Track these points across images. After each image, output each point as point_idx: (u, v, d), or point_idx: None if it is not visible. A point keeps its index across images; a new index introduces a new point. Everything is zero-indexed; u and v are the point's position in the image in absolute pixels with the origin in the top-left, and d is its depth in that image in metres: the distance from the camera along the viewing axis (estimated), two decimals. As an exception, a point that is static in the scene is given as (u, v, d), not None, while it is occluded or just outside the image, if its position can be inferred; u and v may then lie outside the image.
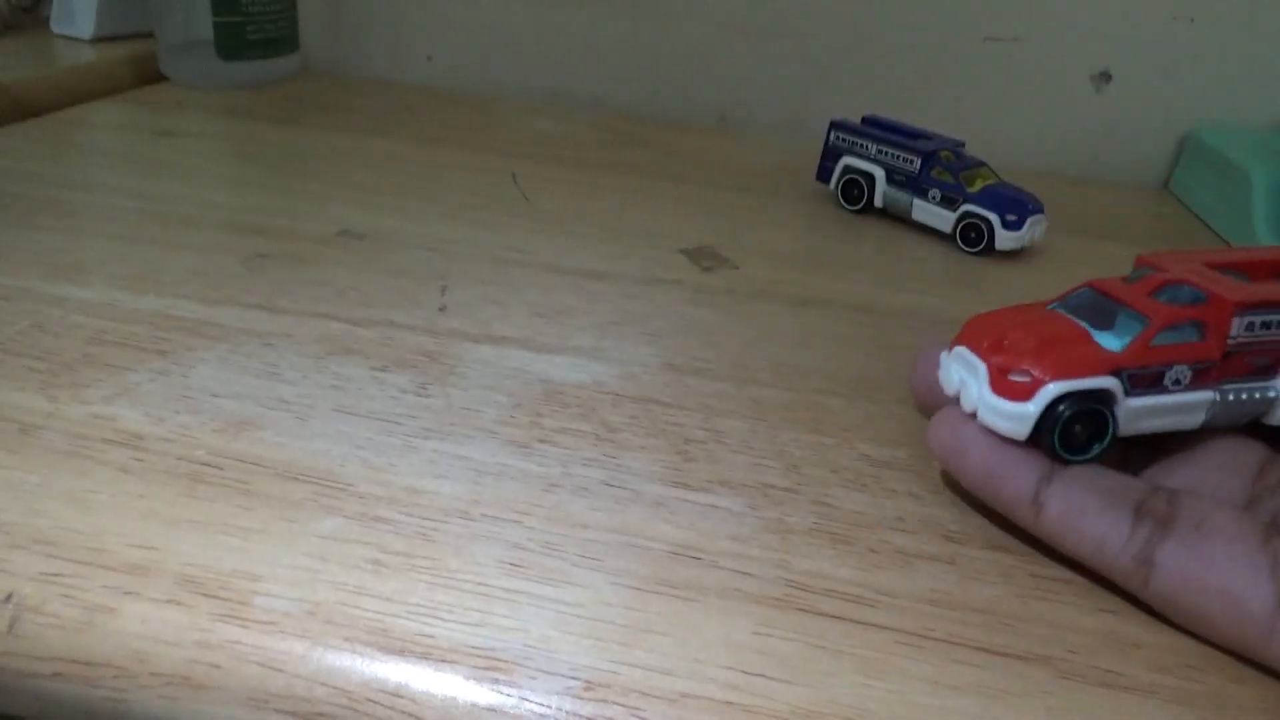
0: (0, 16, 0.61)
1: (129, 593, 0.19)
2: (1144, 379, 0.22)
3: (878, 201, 0.46)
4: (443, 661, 0.19)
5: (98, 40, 0.60)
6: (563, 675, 0.19)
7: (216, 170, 0.46)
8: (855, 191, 0.47)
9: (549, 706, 0.18)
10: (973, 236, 0.43)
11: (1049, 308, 0.25)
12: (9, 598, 0.19)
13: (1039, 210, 0.42)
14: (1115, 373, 0.22)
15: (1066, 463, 0.22)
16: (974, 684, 0.19)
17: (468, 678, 0.18)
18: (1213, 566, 0.20)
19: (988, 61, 0.60)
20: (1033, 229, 0.42)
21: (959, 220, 0.43)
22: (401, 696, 0.18)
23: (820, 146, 0.49)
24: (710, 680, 0.19)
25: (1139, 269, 0.25)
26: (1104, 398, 0.22)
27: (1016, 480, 0.22)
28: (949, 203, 0.43)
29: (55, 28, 0.61)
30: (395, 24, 0.66)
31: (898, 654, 0.20)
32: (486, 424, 0.26)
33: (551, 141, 0.55)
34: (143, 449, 0.24)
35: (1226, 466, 0.23)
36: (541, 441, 0.26)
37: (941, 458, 0.24)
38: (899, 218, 0.46)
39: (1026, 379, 0.22)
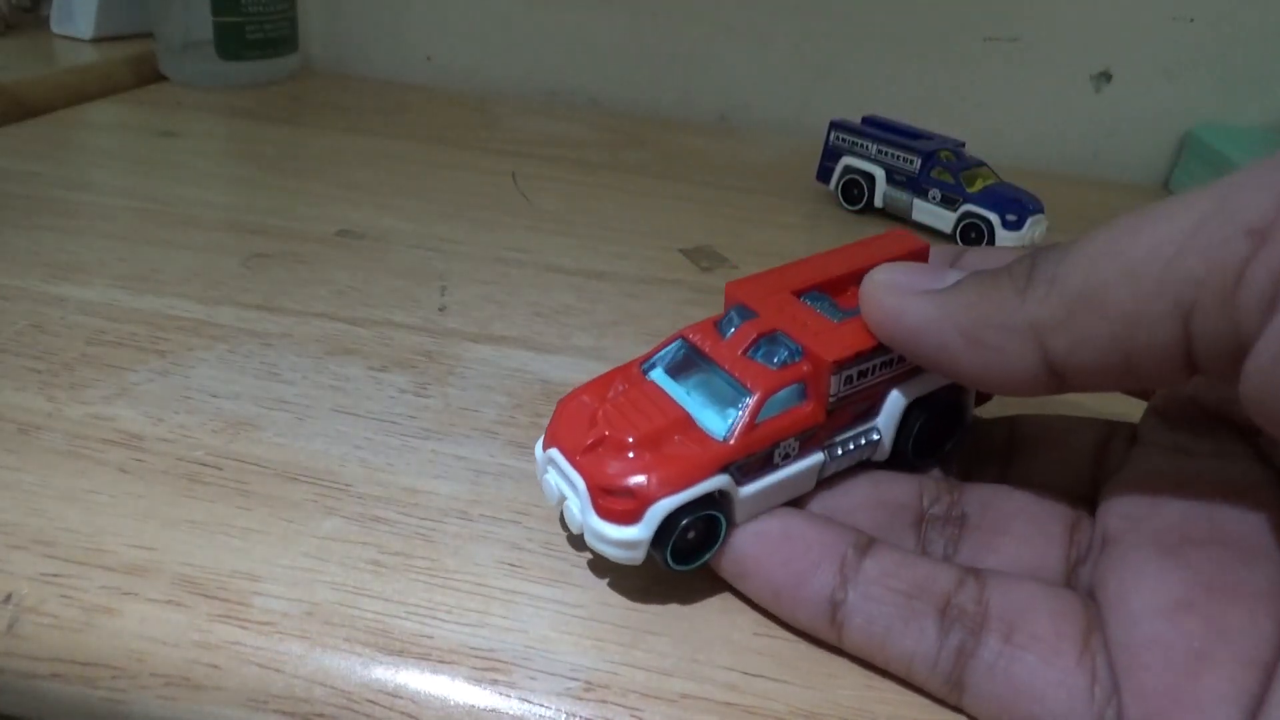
0: (0, 16, 0.61)
1: (128, 593, 0.19)
2: (753, 464, 0.20)
3: (878, 202, 0.46)
4: (441, 662, 0.19)
5: (98, 40, 0.60)
6: (562, 676, 0.19)
7: (216, 170, 0.46)
8: (855, 191, 0.47)
9: (548, 707, 0.18)
10: (973, 236, 0.43)
11: (644, 369, 0.22)
12: (8, 598, 0.19)
13: (1039, 210, 0.42)
14: (725, 468, 0.19)
15: (676, 572, 0.20)
16: (974, 684, 0.19)
17: (467, 678, 0.18)
18: (1027, 695, 0.17)
19: (988, 61, 0.60)
20: (1033, 229, 0.42)
21: (959, 220, 0.43)
22: (400, 697, 0.18)
23: (820, 146, 0.49)
24: (710, 681, 0.19)
25: (729, 308, 0.22)
26: (717, 500, 0.19)
27: (809, 600, 0.19)
28: (949, 203, 0.43)
29: (55, 28, 0.61)
30: (395, 24, 0.66)
31: (897, 654, 0.20)
32: (486, 424, 0.26)
33: (551, 141, 0.55)
34: (142, 449, 0.24)
35: (1039, 534, 0.20)
36: (541, 442, 0.26)
37: (727, 580, 0.21)
38: (899, 218, 0.46)
39: (630, 500, 0.19)
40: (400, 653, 0.19)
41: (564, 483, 0.20)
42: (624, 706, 0.18)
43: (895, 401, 0.21)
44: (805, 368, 0.20)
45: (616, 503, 0.19)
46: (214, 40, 0.57)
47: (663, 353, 0.22)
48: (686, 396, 0.21)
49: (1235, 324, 0.15)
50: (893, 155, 0.45)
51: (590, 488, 0.19)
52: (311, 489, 0.23)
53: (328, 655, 0.19)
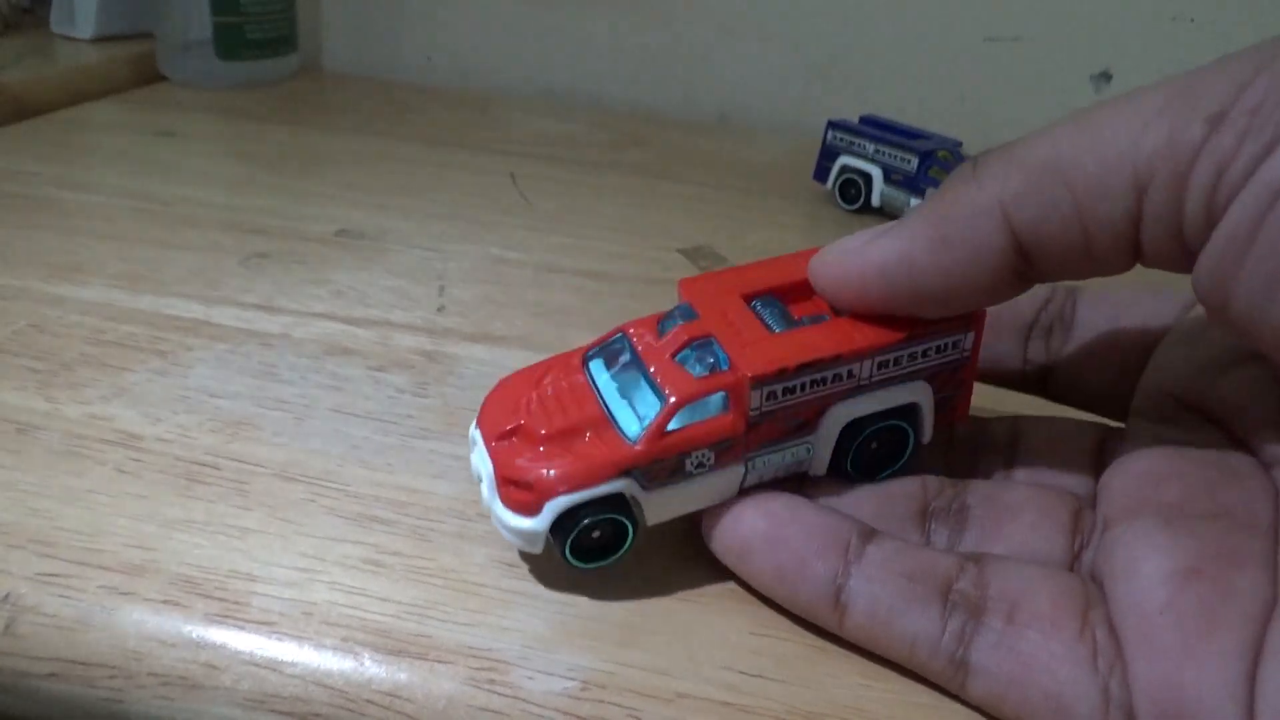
0: (0, 16, 0.61)
1: (126, 593, 0.19)
2: (661, 471, 0.20)
3: (875, 201, 0.46)
4: (439, 662, 0.19)
5: (98, 40, 0.60)
6: (559, 675, 0.19)
7: (216, 170, 0.46)
8: (853, 191, 0.47)
9: (545, 707, 0.18)
10: (972, 236, 0.43)
11: (585, 358, 0.22)
12: (6, 597, 0.19)
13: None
14: (628, 472, 0.19)
15: (580, 571, 0.20)
16: (971, 684, 0.19)
17: (464, 678, 0.18)
18: (1032, 667, 0.17)
19: (988, 61, 0.60)
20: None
21: (958, 220, 0.43)
22: (398, 696, 0.18)
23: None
24: (707, 680, 0.19)
25: (679, 304, 0.22)
26: (618, 502, 0.19)
27: (813, 581, 0.19)
28: (948, 203, 0.43)
29: (55, 28, 0.61)
30: (395, 24, 0.66)
31: (895, 654, 0.20)
32: (484, 424, 0.26)
33: (551, 141, 0.55)
34: (140, 449, 0.24)
35: (1042, 522, 0.21)
36: (539, 441, 0.26)
37: (725, 561, 0.20)
38: (896, 217, 0.46)
39: (529, 492, 0.19)
40: (398, 652, 0.19)
41: (482, 464, 0.21)
42: (621, 706, 0.18)
43: (834, 418, 0.21)
44: (728, 379, 0.20)
45: (517, 493, 0.20)
46: (214, 40, 0.57)
47: (605, 344, 0.22)
48: (615, 393, 0.21)
49: (1182, 205, 0.16)
50: (890, 154, 0.45)
51: (498, 475, 0.20)
52: (310, 489, 0.23)
53: (325, 655, 0.19)
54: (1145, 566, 0.18)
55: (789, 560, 0.19)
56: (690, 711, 0.18)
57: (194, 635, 0.19)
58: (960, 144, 0.46)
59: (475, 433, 0.21)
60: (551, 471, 0.19)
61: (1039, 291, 0.24)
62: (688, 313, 0.21)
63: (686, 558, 0.22)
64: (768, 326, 0.21)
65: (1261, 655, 0.16)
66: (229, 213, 0.40)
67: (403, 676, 0.18)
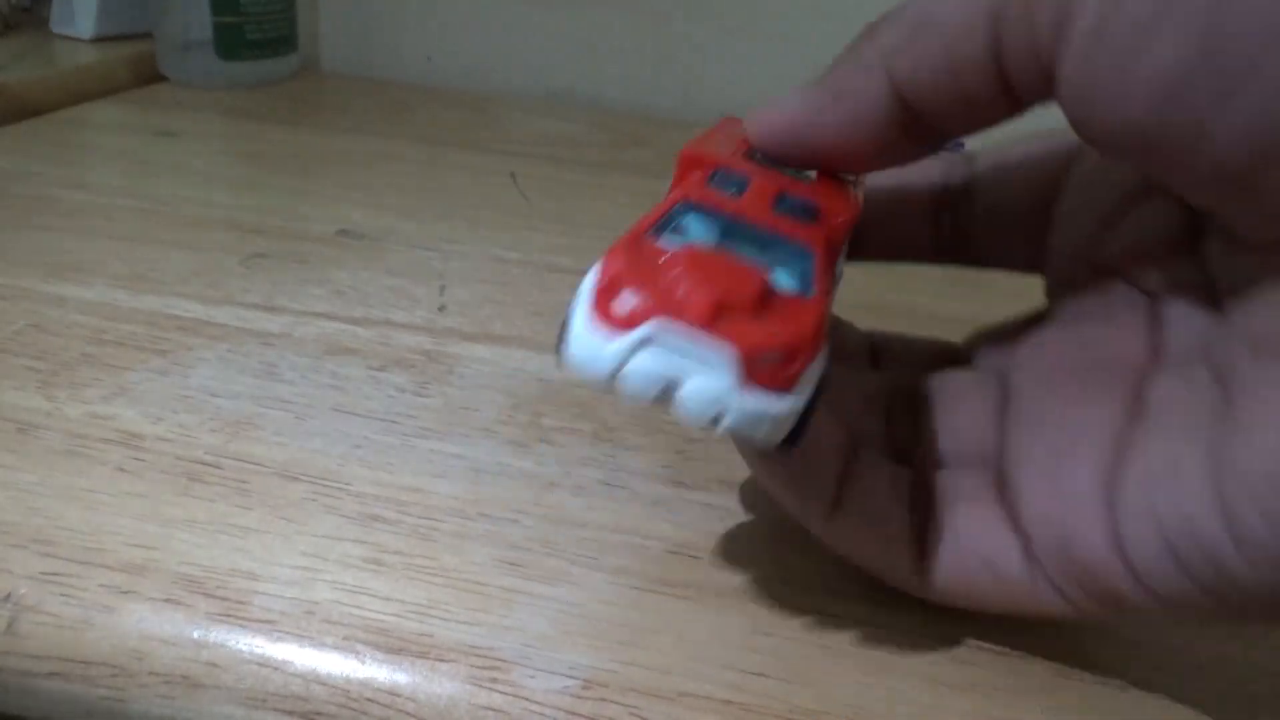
0: (0, 16, 0.61)
1: (127, 592, 0.19)
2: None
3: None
4: (440, 661, 0.19)
5: (98, 40, 0.60)
6: (561, 674, 0.19)
7: (216, 170, 0.46)
8: (855, 191, 0.47)
9: (547, 705, 0.18)
10: (972, 236, 0.42)
11: (667, 226, 0.18)
12: (7, 597, 0.19)
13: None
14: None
15: None
16: (972, 682, 0.19)
17: (466, 677, 0.18)
18: (967, 539, 0.19)
19: (987, 61, 0.60)
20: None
21: (959, 220, 0.43)
22: (399, 695, 0.18)
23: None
24: (710, 679, 0.19)
25: (716, 169, 0.20)
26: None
27: (823, 469, 0.20)
28: (949, 202, 0.43)
29: (55, 28, 0.61)
30: (395, 24, 0.66)
31: (898, 653, 0.20)
32: (485, 423, 0.26)
33: (551, 141, 0.55)
34: (141, 448, 0.24)
35: (979, 406, 0.21)
36: (540, 441, 0.26)
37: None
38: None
39: (777, 359, 0.16)
40: (399, 651, 0.19)
41: (680, 361, 0.16)
42: (623, 705, 0.18)
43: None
44: (840, 220, 0.19)
45: (774, 371, 0.16)
46: (214, 40, 0.57)
47: (675, 223, 0.18)
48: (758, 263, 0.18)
49: (1034, 21, 0.16)
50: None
51: (744, 356, 0.15)
52: (311, 488, 0.23)
53: (327, 654, 0.19)
54: (1030, 414, 0.19)
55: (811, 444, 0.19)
56: (692, 710, 0.18)
57: (195, 634, 0.19)
58: (961, 143, 0.46)
59: (634, 335, 0.16)
60: (799, 336, 0.16)
61: (938, 165, 0.25)
62: (731, 176, 0.20)
63: (689, 557, 0.22)
64: (796, 177, 0.20)
65: (1122, 462, 0.17)
66: (229, 213, 0.40)
67: (404, 675, 0.18)
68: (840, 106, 0.19)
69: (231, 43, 0.57)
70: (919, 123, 0.19)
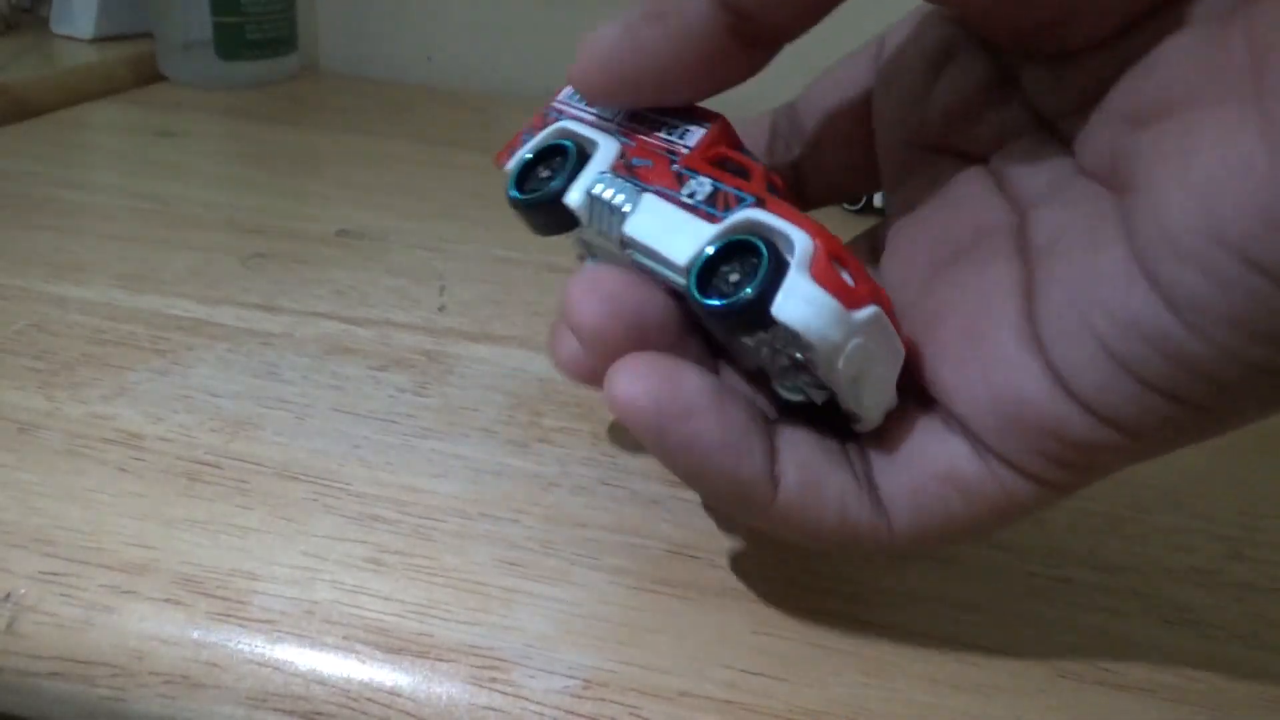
0: (0, 16, 0.61)
1: (127, 592, 0.19)
2: None
3: (877, 201, 0.46)
4: (440, 661, 0.19)
5: (98, 40, 0.60)
6: (561, 674, 0.19)
7: (216, 170, 0.46)
8: (855, 191, 0.47)
9: (547, 705, 0.18)
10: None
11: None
12: (7, 597, 0.19)
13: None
14: None
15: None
16: (972, 682, 0.19)
17: (466, 677, 0.18)
18: (915, 461, 0.18)
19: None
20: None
21: (958, 220, 0.43)
22: (399, 695, 0.18)
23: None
24: (709, 679, 0.19)
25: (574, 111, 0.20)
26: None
27: (754, 450, 0.17)
28: (948, 202, 0.43)
29: (55, 28, 0.61)
30: (395, 24, 0.66)
31: (897, 653, 0.20)
32: (485, 423, 0.26)
33: (551, 141, 0.55)
34: (141, 448, 0.24)
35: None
36: (540, 441, 0.26)
37: (645, 425, 0.16)
38: (898, 217, 0.46)
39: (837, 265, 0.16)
40: (399, 651, 0.19)
41: (875, 349, 0.17)
42: (623, 705, 0.18)
43: None
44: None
45: (837, 272, 0.17)
46: (214, 40, 0.57)
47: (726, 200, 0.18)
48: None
49: None
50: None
51: (819, 248, 0.16)
52: (311, 488, 0.23)
53: (327, 654, 0.19)
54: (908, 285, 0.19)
55: (734, 426, 0.17)
56: (692, 710, 0.18)
57: (195, 634, 0.19)
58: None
59: (855, 319, 0.16)
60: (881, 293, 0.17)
61: (764, 121, 0.25)
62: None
63: (689, 557, 0.22)
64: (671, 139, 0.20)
65: (1033, 308, 0.16)
66: (229, 213, 0.40)
67: (404, 675, 0.18)
68: (663, 24, 0.18)
69: (231, 43, 0.57)
70: (746, 24, 0.18)
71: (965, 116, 0.20)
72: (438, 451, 0.25)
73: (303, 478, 0.23)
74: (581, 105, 0.21)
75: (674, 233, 0.17)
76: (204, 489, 0.23)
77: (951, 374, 0.17)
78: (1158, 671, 0.20)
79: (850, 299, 0.16)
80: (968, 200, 0.20)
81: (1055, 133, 0.18)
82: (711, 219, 0.17)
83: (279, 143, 0.50)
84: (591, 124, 0.20)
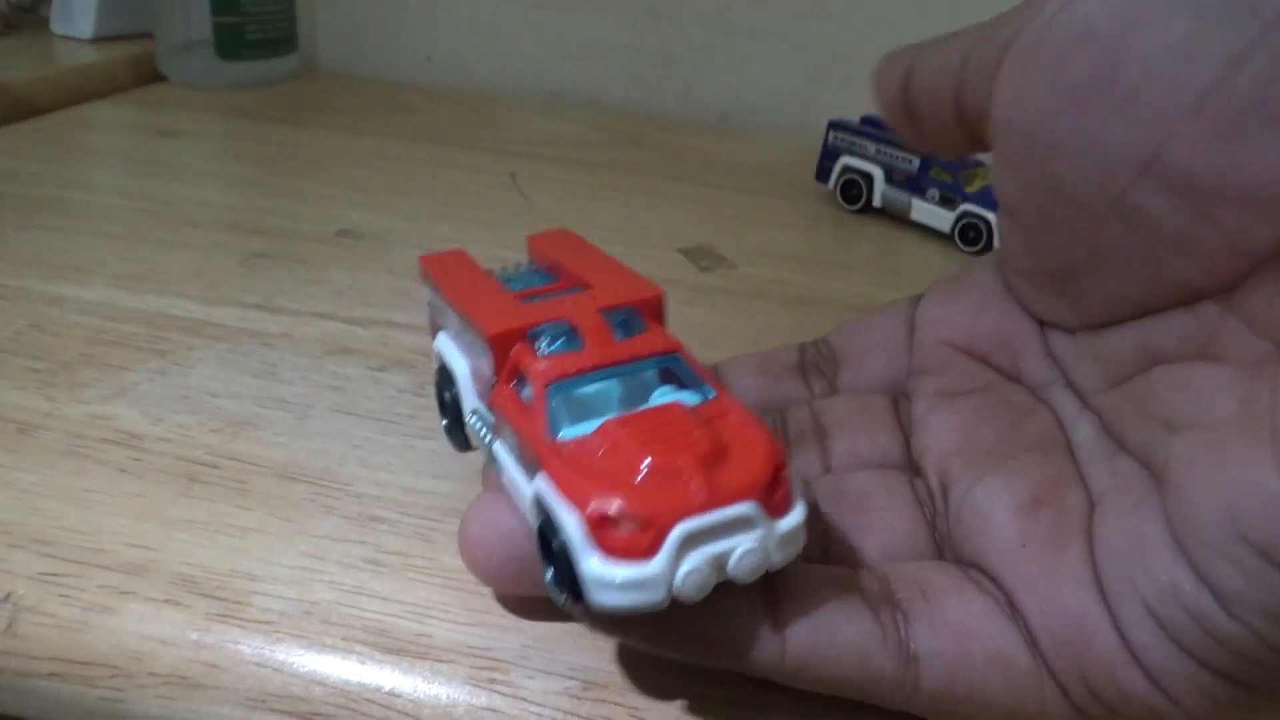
0: (0, 16, 0.61)
1: (126, 592, 0.19)
2: None
3: (876, 201, 0.46)
4: (440, 661, 0.19)
5: (98, 40, 0.60)
6: (561, 675, 0.19)
7: (216, 170, 0.46)
8: (854, 191, 0.47)
9: (546, 706, 0.18)
10: (971, 236, 0.43)
11: (569, 429, 0.17)
12: (7, 597, 0.19)
13: (1038, 210, 0.42)
14: None
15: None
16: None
17: (465, 678, 0.18)
18: (967, 634, 0.17)
19: (987, 61, 0.60)
20: (1032, 229, 0.42)
21: (958, 220, 0.43)
22: (398, 696, 0.18)
23: (820, 146, 0.49)
24: (710, 680, 0.19)
25: (510, 348, 0.19)
26: None
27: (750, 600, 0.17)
28: (948, 202, 0.43)
29: (55, 28, 0.61)
30: (395, 24, 0.66)
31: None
32: (485, 424, 0.26)
33: (551, 141, 0.55)
34: (141, 448, 0.24)
35: (897, 503, 0.20)
36: (540, 441, 0.26)
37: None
38: (898, 217, 0.46)
39: (776, 483, 0.16)
40: (399, 652, 0.19)
41: (719, 541, 0.16)
42: (623, 706, 0.18)
43: None
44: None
45: (780, 491, 0.17)
46: (214, 40, 0.57)
47: (552, 411, 0.18)
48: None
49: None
50: (891, 155, 0.45)
51: (761, 500, 0.16)
52: (310, 488, 0.23)
53: (326, 654, 0.19)
54: (995, 512, 0.19)
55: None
56: (692, 711, 0.18)
57: (194, 635, 0.19)
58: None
59: (680, 532, 0.15)
60: (775, 451, 0.17)
61: (791, 346, 0.25)
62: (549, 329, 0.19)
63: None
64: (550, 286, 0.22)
65: (1094, 554, 0.17)
66: (229, 213, 0.40)
67: (403, 676, 0.18)
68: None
69: (231, 43, 0.57)
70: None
71: (1003, 344, 0.22)
72: (438, 452, 0.25)
73: (302, 478, 0.23)
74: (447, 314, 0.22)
75: (520, 488, 0.18)
76: (203, 489, 0.23)
77: (1018, 571, 0.18)
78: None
79: (647, 545, 0.15)
80: (1018, 408, 0.21)
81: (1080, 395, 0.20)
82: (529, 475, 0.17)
83: (279, 143, 0.50)
84: (456, 337, 0.22)
